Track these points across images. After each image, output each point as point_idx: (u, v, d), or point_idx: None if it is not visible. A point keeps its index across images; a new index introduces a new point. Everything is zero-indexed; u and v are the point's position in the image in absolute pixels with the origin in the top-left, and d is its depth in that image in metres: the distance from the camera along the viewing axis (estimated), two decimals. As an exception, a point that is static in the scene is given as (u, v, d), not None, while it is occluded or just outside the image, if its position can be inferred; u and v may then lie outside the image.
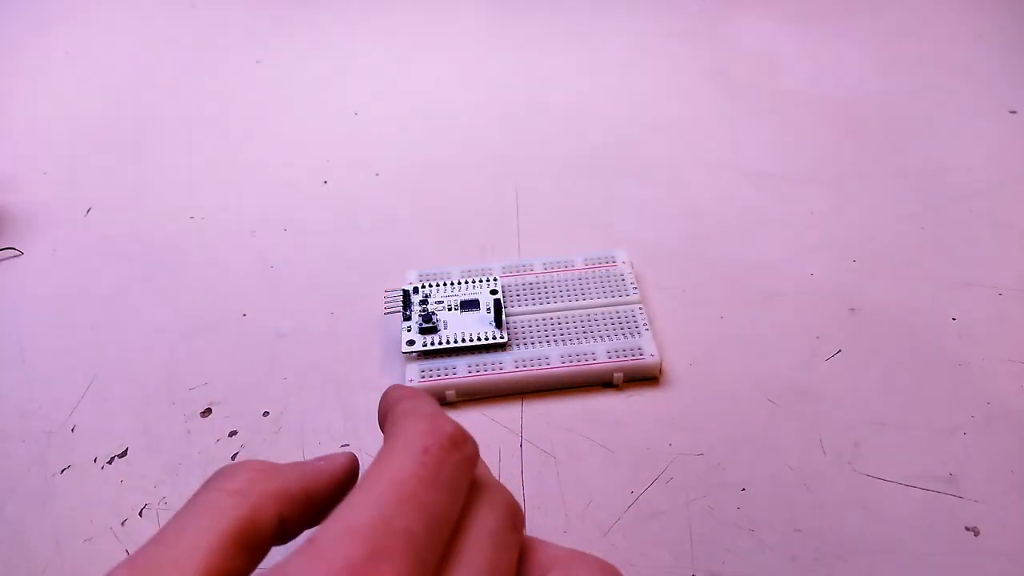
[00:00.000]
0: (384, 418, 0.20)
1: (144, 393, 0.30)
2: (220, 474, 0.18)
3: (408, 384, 0.29)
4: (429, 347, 0.30)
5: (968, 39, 0.50)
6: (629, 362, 0.30)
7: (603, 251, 0.34)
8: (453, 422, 0.18)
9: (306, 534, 0.19)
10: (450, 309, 0.32)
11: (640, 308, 0.32)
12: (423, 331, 0.30)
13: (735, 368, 0.31)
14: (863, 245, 0.36)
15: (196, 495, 0.18)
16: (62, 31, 0.52)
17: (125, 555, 0.25)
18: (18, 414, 0.30)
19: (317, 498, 0.19)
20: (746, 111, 0.45)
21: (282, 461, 0.28)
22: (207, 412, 0.30)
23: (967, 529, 0.25)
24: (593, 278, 0.33)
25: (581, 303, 0.32)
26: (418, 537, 0.15)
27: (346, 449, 0.28)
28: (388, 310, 0.32)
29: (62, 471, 0.28)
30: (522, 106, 0.45)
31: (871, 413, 0.29)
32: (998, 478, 0.27)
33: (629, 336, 0.31)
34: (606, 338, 0.31)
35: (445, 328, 0.31)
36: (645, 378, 0.30)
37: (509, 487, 0.27)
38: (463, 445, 0.18)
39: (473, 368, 0.30)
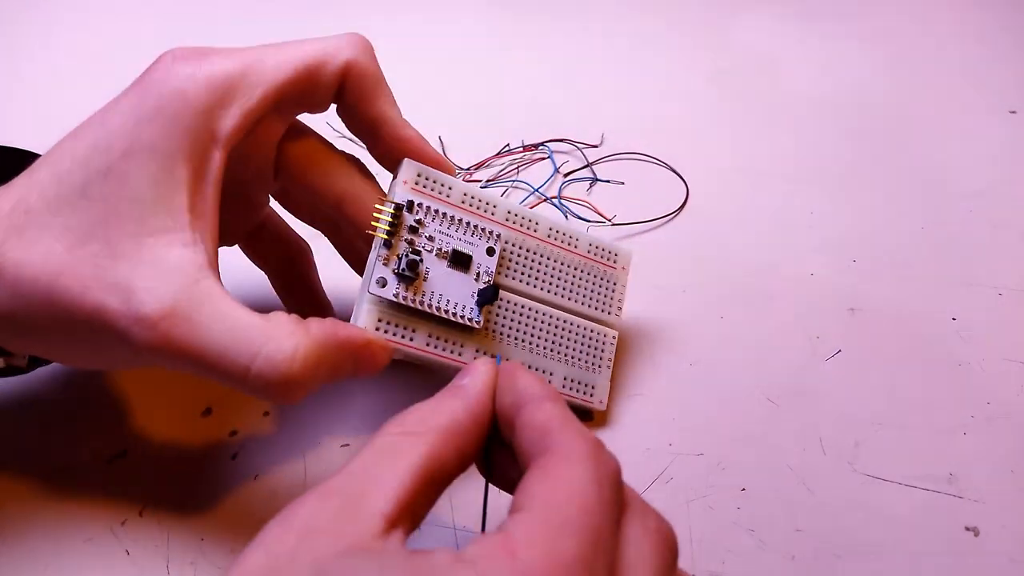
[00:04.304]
0: (517, 411, 0.20)
1: (144, 393, 0.30)
2: (388, 423, 0.20)
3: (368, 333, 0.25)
4: (400, 301, 0.26)
5: (968, 39, 0.50)
6: (577, 399, 0.28)
7: (609, 243, 0.31)
8: (601, 443, 0.19)
9: None
10: (438, 255, 0.27)
11: (613, 339, 0.30)
12: (402, 278, 0.26)
13: (735, 368, 0.31)
14: (863, 245, 0.36)
15: (372, 442, 0.19)
16: (64, 24, 0.52)
17: (125, 555, 0.25)
18: (22, 414, 0.30)
19: (486, 420, 0.21)
20: (746, 111, 0.45)
21: (281, 461, 0.28)
22: (207, 412, 0.30)
23: (967, 529, 0.25)
24: (587, 275, 0.30)
25: (565, 302, 0.29)
26: (597, 571, 0.16)
27: (346, 450, 0.28)
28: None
29: (63, 471, 0.28)
30: (522, 105, 0.45)
31: (871, 413, 0.29)
32: (998, 478, 0.27)
33: (590, 369, 0.29)
34: (569, 360, 0.29)
35: (426, 280, 0.27)
36: (584, 416, 0.29)
37: (509, 487, 0.27)
38: (620, 473, 0.19)
39: (432, 343, 0.26)
